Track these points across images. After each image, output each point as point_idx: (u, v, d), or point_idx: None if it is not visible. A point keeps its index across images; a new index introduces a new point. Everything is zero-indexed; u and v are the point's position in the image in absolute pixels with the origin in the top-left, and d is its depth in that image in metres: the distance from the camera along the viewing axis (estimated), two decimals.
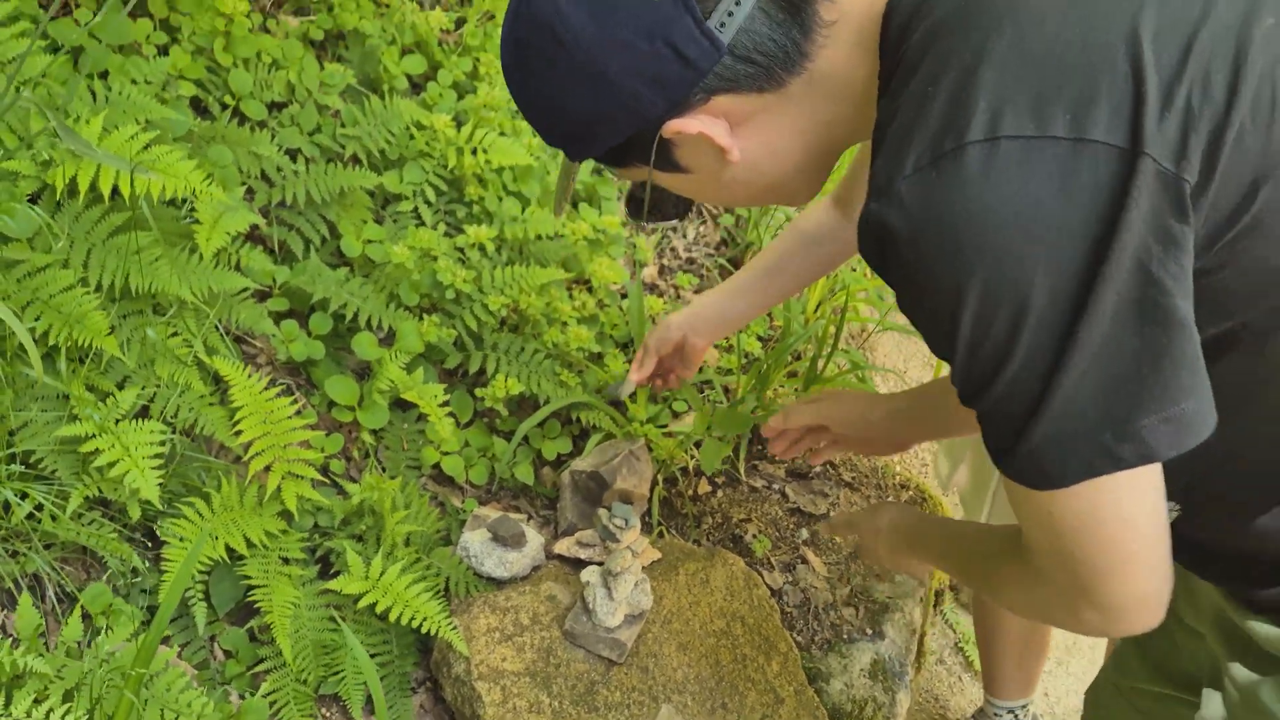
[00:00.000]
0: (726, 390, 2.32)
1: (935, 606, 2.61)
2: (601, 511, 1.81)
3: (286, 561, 1.62)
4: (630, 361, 2.07)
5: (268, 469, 1.62)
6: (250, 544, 1.57)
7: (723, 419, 2.04)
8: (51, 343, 1.43)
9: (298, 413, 1.68)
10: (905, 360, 2.74)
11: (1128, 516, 0.83)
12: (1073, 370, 0.77)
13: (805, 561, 2.08)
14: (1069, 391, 0.78)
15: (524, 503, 2.00)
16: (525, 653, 1.62)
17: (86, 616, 1.48)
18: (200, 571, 1.55)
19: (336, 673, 1.60)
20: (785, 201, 1.09)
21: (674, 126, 0.92)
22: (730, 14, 0.86)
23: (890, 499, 2.28)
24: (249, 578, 1.56)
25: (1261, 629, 0.99)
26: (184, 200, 1.70)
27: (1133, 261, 0.74)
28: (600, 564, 1.78)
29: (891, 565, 1.48)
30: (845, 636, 1.96)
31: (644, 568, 1.82)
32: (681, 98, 0.90)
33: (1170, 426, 0.78)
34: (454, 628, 1.57)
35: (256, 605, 1.55)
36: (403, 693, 1.65)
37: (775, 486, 2.22)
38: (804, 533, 2.14)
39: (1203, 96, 0.75)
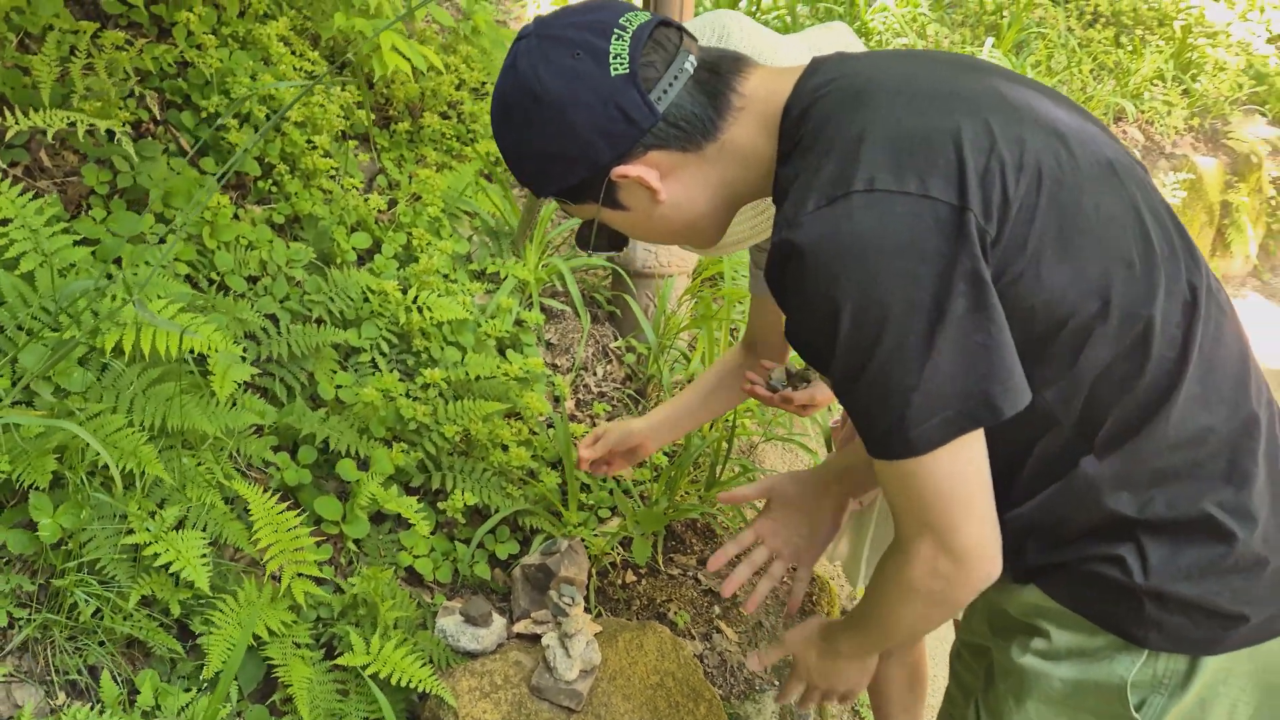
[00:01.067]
0: (643, 497, 2.74)
1: None
2: (552, 592, 2.19)
3: (298, 646, 1.96)
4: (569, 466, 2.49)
5: (280, 570, 1.97)
6: (271, 632, 1.91)
7: (644, 518, 2.47)
8: (110, 473, 1.79)
9: (300, 523, 2.04)
10: (787, 465, 3.21)
11: (968, 472, 1.12)
12: (933, 359, 1.06)
13: (720, 631, 2.48)
14: (930, 375, 1.06)
15: (482, 597, 2.37)
16: (501, 706, 1.97)
17: (134, 695, 1.79)
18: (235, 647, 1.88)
19: None
20: (695, 243, 1.36)
21: (619, 170, 1.22)
22: (665, 91, 1.19)
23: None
24: (271, 659, 1.89)
25: (1019, 594, 1.30)
26: (196, 357, 2.09)
27: (969, 279, 1.05)
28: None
29: (824, 673, 1.53)
30: (757, 688, 2.36)
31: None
32: (626, 149, 1.21)
33: (1010, 393, 1.08)
34: (443, 687, 1.92)
35: (278, 679, 1.88)
36: None
37: (690, 573, 2.63)
38: (716, 609, 2.55)
39: (999, 183, 1.08)
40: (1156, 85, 6.51)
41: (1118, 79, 6.20)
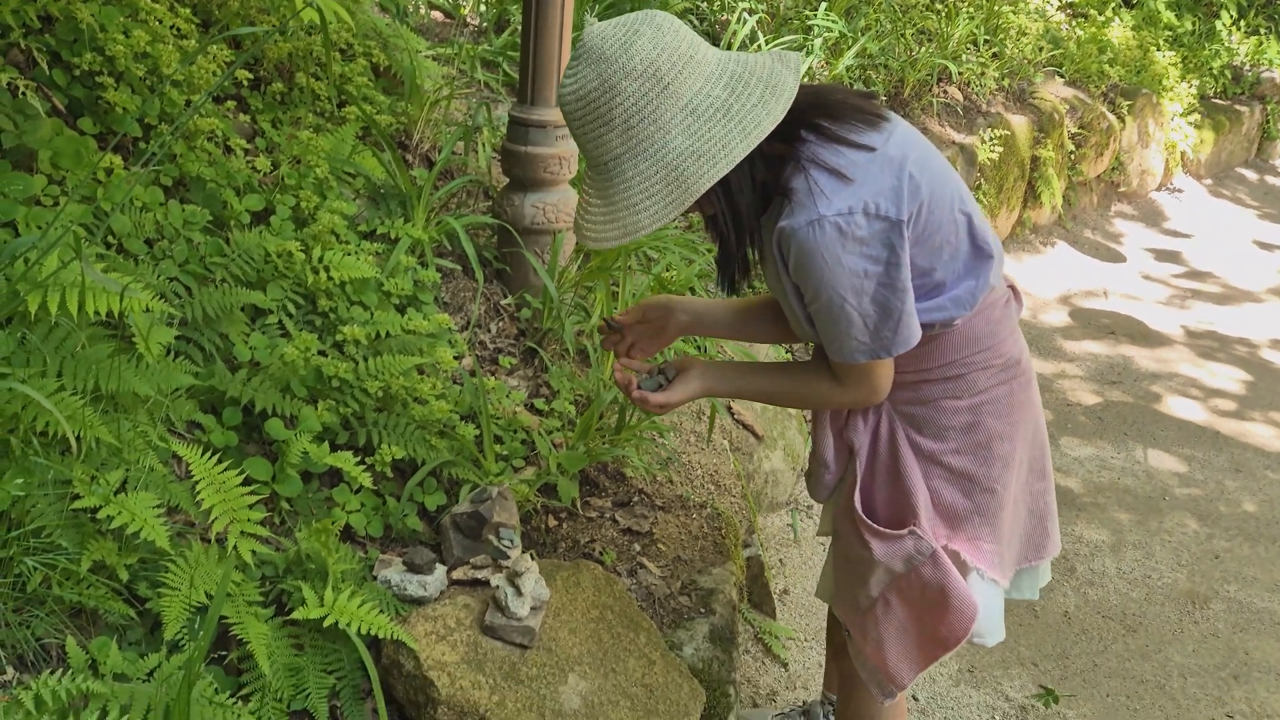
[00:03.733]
0: (555, 445, 2.81)
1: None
2: (490, 538, 2.24)
3: (249, 604, 1.95)
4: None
5: (224, 531, 1.95)
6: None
7: (567, 460, 2.54)
8: (49, 439, 1.73)
9: (242, 481, 2.02)
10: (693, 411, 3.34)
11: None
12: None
13: (643, 566, 2.58)
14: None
15: (413, 548, 2.38)
16: (458, 647, 2.01)
17: (93, 665, 1.75)
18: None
19: (303, 691, 1.93)
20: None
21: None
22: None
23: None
24: (226, 617, 1.88)
25: None
26: (115, 319, 2.03)
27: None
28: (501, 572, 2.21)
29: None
30: (686, 616, 2.47)
31: None
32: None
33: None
34: (404, 631, 1.95)
35: (234, 638, 1.87)
36: (356, 701, 1.99)
37: (606, 515, 2.72)
38: (637, 546, 2.64)
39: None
40: (970, 49, 6.92)
41: (938, 43, 6.57)
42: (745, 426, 3.62)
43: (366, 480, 2.11)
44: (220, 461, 2.00)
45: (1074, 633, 3.52)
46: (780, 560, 3.58)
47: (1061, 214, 7.52)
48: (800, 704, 2.84)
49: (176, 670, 1.65)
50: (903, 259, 1.68)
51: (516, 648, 2.07)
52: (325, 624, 1.91)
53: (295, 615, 1.92)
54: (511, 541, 2.22)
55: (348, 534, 2.30)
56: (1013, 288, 2.02)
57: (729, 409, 3.60)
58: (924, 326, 1.78)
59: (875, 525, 1.96)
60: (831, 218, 1.62)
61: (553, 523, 2.63)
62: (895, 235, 1.66)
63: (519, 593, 2.08)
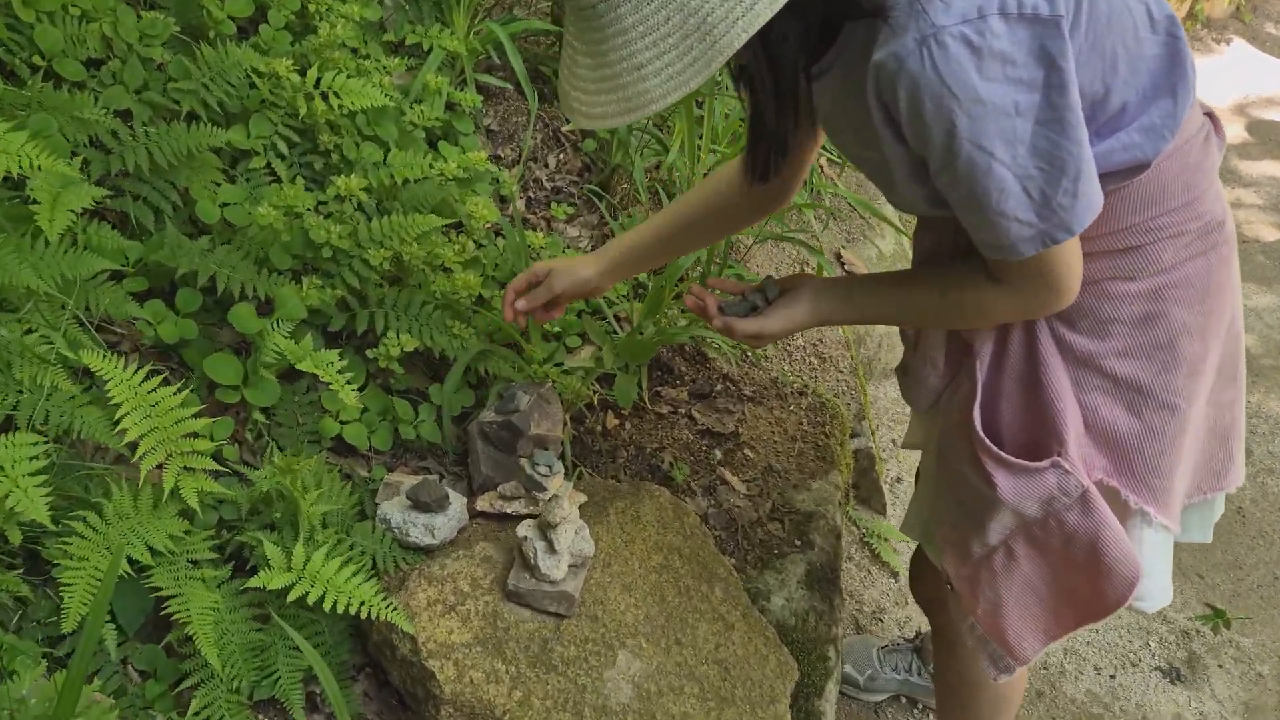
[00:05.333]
0: (619, 319, 2.25)
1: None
2: (523, 462, 1.72)
3: (196, 564, 1.48)
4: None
5: (160, 467, 1.47)
6: (154, 552, 1.42)
7: (628, 348, 1.98)
8: None
9: (183, 402, 1.52)
10: (784, 269, 2.73)
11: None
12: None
13: (724, 482, 2.05)
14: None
15: (432, 462, 1.90)
16: (471, 621, 1.53)
17: None
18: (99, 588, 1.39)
19: (270, 675, 1.48)
20: None
21: None
22: None
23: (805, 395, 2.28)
24: (160, 589, 1.42)
25: None
26: (17, 180, 1.50)
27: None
28: (531, 516, 1.71)
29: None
30: (776, 551, 1.95)
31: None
32: None
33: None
34: (394, 607, 1.47)
35: (173, 617, 1.41)
36: (343, 681, 1.54)
37: (681, 410, 2.18)
38: (717, 453, 2.11)
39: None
40: None
41: None
42: (851, 269, 3.00)
43: (349, 398, 1.59)
44: (166, 360, 1.51)
45: (1250, 536, 2.93)
46: (893, 440, 3.02)
47: (1240, 5, 6.43)
48: (914, 636, 2.34)
49: (68, 692, 1.20)
50: (1067, 77, 1.10)
51: (551, 618, 1.59)
52: (289, 598, 1.43)
53: (254, 582, 1.45)
54: (549, 468, 1.70)
55: (349, 448, 1.81)
56: (1210, 115, 1.39)
57: (837, 256, 2.97)
58: (1102, 180, 1.20)
59: (1001, 453, 1.40)
60: (954, 28, 1.08)
61: (612, 422, 2.10)
62: (1053, 40, 1.09)
63: (553, 549, 1.57)
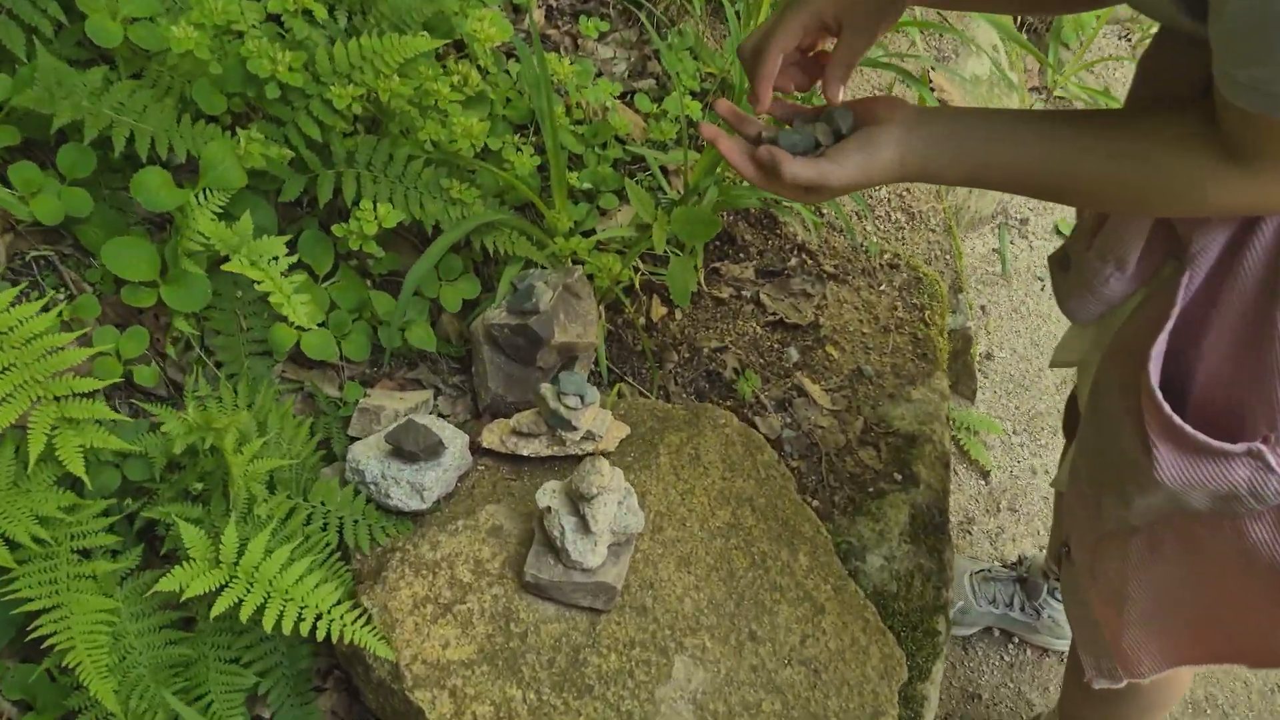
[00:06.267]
0: (665, 172, 1.74)
1: None
2: (545, 390, 1.27)
3: (85, 555, 1.05)
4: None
5: (25, 424, 1.02)
6: (14, 546, 0.99)
7: (684, 222, 1.48)
8: None
9: (59, 314, 1.06)
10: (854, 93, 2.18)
11: None
12: None
13: (803, 393, 1.59)
14: None
15: (425, 372, 1.44)
16: (474, 627, 1.11)
17: None
18: None
19: (200, 698, 1.07)
20: None
21: None
22: None
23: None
24: (28, 600, 0.99)
25: None
26: None
27: None
28: (554, 459, 1.27)
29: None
30: (871, 489, 1.51)
31: (612, 455, 1.32)
32: None
33: None
34: (367, 622, 1.05)
35: (45, 642, 0.99)
36: (302, 699, 1.14)
37: (746, 294, 1.70)
38: (793, 352, 1.64)
39: None
40: None
41: None
42: (941, 99, 2.45)
43: (300, 315, 1.12)
44: (49, 242, 1.04)
45: None
46: (982, 307, 2.54)
47: None
48: (1016, 562, 1.93)
49: None
50: None
51: (584, 613, 1.16)
52: (214, 611, 1.00)
53: (163, 585, 1.02)
54: (580, 398, 1.25)
55: (309, 360, 1.35)
56: None
57: (928, 80, 2.41)
58: None
59: (1176, 419, 0.92)
60: None
61: (659, 312, 1.63)
62: None
63: (587, 527, 1.13)
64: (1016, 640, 1.96)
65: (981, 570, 1.93)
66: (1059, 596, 1.84)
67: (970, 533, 2.12)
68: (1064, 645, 1.91)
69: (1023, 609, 1.89)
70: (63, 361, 1.03)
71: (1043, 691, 1.93)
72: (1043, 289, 2.60)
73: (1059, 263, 1.15)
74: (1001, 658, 1.94)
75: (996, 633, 1.96)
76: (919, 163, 0.93)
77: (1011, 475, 2.22)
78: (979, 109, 0.94)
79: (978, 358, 2.42)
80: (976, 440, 2.21)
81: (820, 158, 0.93)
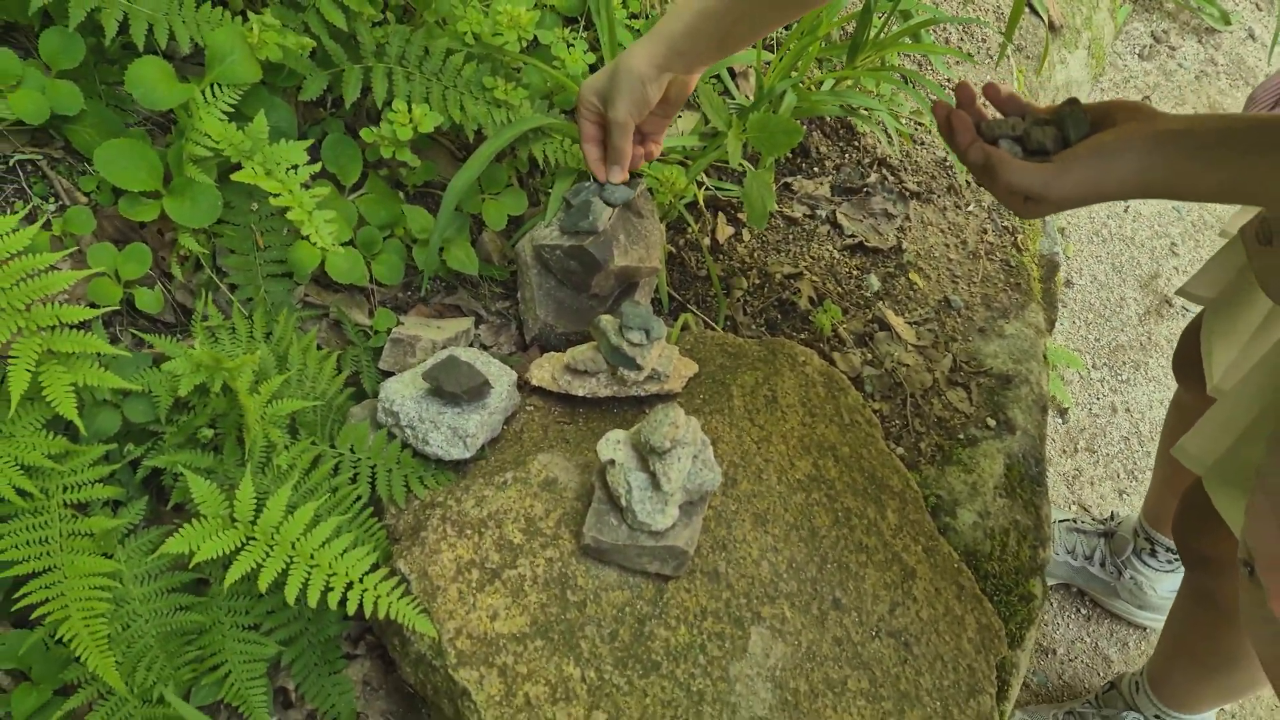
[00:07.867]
0: (733, 74, 1.55)
1: None
2: (605, 322, 1.11)
3: (81, 510, 0.91)
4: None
5: (5, 356, 0.87)
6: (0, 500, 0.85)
7: (760, 131, 1.30)
8: None
9: (43, 228, 0.90)
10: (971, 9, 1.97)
11: None
12: None
13: (885, 326, 1.43)
14: None
15: (465, 298, 1.28)
16: (527, 594, 0.97)
17: None
18: None
19: (215, 669, 0.94)
20: None
21: None
22: None
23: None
24: (10, 563, 0.85)
25: None
26: None
27: None
28: (614, 401, 1.12)
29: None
30: (962, 436, 1.35)
31: (679, 396, 1.16)
32: None
33: None
34: (405, 593, 0.90)
35: (35, 612, 0.85)
36: (330, 668, 1.00)
37: (821, 214, 1.52)
38: (874, 280, 1.47)
39: None
40: None
41: None
42: (1035, 12, 2.23)
43: (323, 236, 0.96)
44: (35, 144, 0.88)
45: None
46: (1061, 229, 2.34)
47: None
48: (1108, 517, 1.77)
49: None
50: None
51: (651, 580, 1.02)
52: (228, 580, 0.86)
53: (169, 546, 0.88)
54: (645, 333, 1.09)
55: (336, 285, 1.19)
56: None
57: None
58: None
59: None
60: None
61: (725, 232, 1.46)
62: None
63: (657, 484, 0.98)
64: (1089, 600, 1.81)
65: (1067, 519, 1.77)
66: (1145, 559, 1.68)
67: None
68: (1143, 619, 1.76)
69: (1103, 564, 1.74)
70: (50, 285, 0.88)
71: (1121, 648, 1.79)
72: (1125, 210, 2.40)
73: (1260, 236, 0.96)
74: (1079, 610, 1.80)
75: (1073, 589, 1.81)
76: (1164, 178, 0.78)
77: (1091, 413, 2.06)
78: (1242, 118, 0.78)
79: (1057, 287, 2.24)
80: (1054, 375, 2.04)
81: (1045, 164, 0.78)
